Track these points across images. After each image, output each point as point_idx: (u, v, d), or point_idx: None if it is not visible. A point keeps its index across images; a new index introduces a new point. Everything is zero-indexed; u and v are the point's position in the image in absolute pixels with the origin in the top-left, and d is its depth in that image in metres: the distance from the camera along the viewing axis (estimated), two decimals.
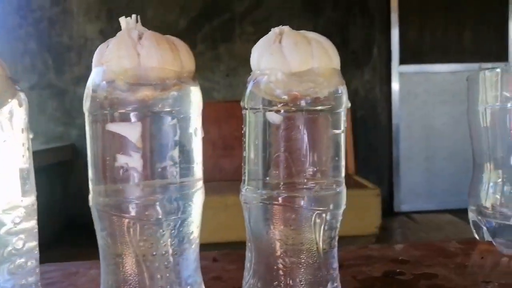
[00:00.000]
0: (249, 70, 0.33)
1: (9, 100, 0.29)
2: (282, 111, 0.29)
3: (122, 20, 0.30)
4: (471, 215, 0.60)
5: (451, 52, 3.15)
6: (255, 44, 0.32)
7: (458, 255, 0.56)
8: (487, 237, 0.57)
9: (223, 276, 0.49)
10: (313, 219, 0.30)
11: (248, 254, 0.33)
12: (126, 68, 0.28)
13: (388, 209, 2.97)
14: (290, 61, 0.29)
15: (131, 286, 0.29)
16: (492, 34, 3.13)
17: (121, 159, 0.27)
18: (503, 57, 3.13)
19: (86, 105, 0.29)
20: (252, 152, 0.31)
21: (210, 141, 2.60)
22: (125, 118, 0.28)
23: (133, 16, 0.30)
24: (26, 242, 0.31)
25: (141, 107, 0.28)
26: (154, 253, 0.29)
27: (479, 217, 0.57)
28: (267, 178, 0.30)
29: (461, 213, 3.02)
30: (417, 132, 3.08)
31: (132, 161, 0.28)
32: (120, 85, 0.28)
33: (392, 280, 0.48)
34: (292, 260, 0.31)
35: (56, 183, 2.86)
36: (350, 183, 2.29)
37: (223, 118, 2.55)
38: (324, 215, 0.30)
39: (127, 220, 0.28)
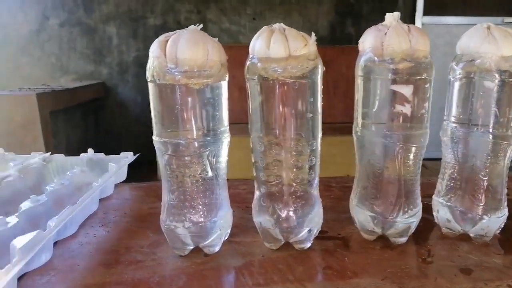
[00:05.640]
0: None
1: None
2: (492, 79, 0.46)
3: (389, 16, 0.45)
4: None
5: (474, 5, 3.22)
6: None
7: None
8: None
9: None
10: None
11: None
12: (403, 48, 0.44)
13: None
14: (501, 48, 0.45)
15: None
16: None
17: (398, 107, 0.45)
18: None
19: (365, 71, 0.46)
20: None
21: (237, 85, 2.72)
22: (400, 81, 0.44)
23: (397, 13, 0.45)
24: None
25: (407, 74, 0.44)
26: None
27: None
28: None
29: None
30: (435, 84, 3.21)
31: (404, 109, 0.45)
32: (396, 60, 0.44)
33: None
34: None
35: (89, 119, 2.99)
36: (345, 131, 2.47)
37: None
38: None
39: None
